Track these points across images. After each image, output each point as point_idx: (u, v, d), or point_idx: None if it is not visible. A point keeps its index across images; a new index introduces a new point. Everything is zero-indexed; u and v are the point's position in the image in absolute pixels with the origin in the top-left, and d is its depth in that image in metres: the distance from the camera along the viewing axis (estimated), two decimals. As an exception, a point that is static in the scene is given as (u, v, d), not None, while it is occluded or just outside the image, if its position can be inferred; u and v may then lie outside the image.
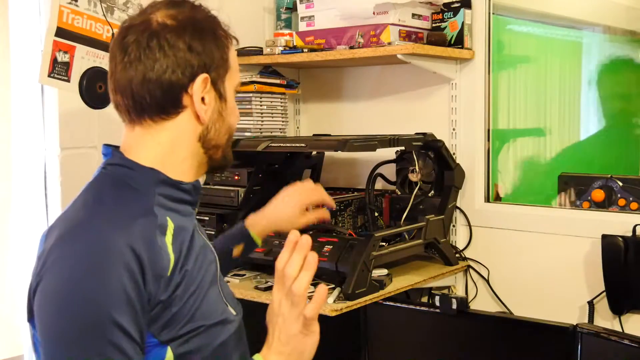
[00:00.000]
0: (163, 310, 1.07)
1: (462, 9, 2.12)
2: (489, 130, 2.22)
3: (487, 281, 2.16)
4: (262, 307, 1.29)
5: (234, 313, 1.24)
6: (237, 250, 1.59)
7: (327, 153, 2.39)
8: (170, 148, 1.17)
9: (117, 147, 1.20)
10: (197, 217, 2.05)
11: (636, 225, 1.83)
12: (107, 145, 1.21)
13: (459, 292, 2.19)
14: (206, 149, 1.20)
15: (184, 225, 1.16)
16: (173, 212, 1.15)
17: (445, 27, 2.15)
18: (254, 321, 1.49)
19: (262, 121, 2.26)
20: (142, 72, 1.13)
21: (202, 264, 1.17)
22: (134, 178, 1.15)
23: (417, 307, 2.11)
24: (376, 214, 2.10)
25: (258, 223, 1.64)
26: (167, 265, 1.07)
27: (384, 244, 1.89)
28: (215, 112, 1.19)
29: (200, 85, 1.15)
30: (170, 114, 1.16)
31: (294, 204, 1.65)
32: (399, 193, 2.15)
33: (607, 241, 1.85)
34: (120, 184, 1.14)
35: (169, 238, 1.10)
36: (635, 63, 2.76)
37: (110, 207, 1.10)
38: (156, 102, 1.14)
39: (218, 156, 1.23)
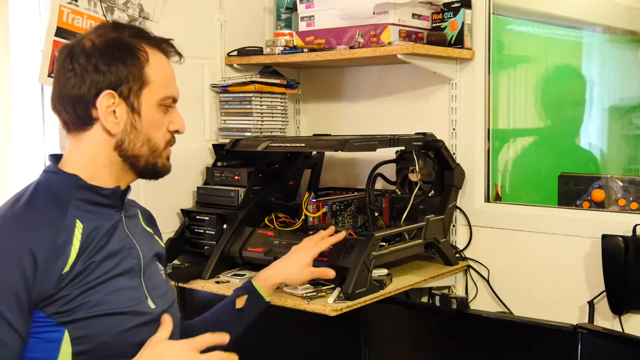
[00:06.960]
0: (58, 298, 1.21)
1: (462, 9, 2.12)
2: (489, 130, 2.22)
3: (487, 281, 2.16)
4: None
5: (153, 306, 1.35)
6: (240, 302, 1.62)
7: (327, 153, 2.39)
8: (89, 156, 1.33)
9: (59, 156, 1.37)
10: (198, 217, 2.09)
11: (636, 225, 1.83)
12: (50, 155, 1.38)
13: (459, 292, 2.19)
14: (124, 158, 1.33)
15: (98, 225, 1.30)
16: (88, 214, 1.30)
17: (445, 27, 2.15)
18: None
19: (262, 121, 2.26)
20: (58, 90, 1.31)
21: (115, 257, 1.31)
22: (56, 183, 1.31)
23: (417, 307, 2.11)
24: (376, 214, 2.10)
25: (263, 276, 1.69)
26: (65, 262, 1.22)
27: (384, 244, 1.89)
28: (128, 125, 1.32)
29: (103, 100, 1.29)
30: (85, 126, 1.32)
31: (302, 258, 1.71)
32: (399, 193, 2.15)
33: (607, 241, 1.85)
34: (42, 189, 1.31)
35: (77, 236, 1.26)
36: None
37: (23, 211, 1.26)
38: (72, 116, 1.31)
39: (141, 165, 1.35)
